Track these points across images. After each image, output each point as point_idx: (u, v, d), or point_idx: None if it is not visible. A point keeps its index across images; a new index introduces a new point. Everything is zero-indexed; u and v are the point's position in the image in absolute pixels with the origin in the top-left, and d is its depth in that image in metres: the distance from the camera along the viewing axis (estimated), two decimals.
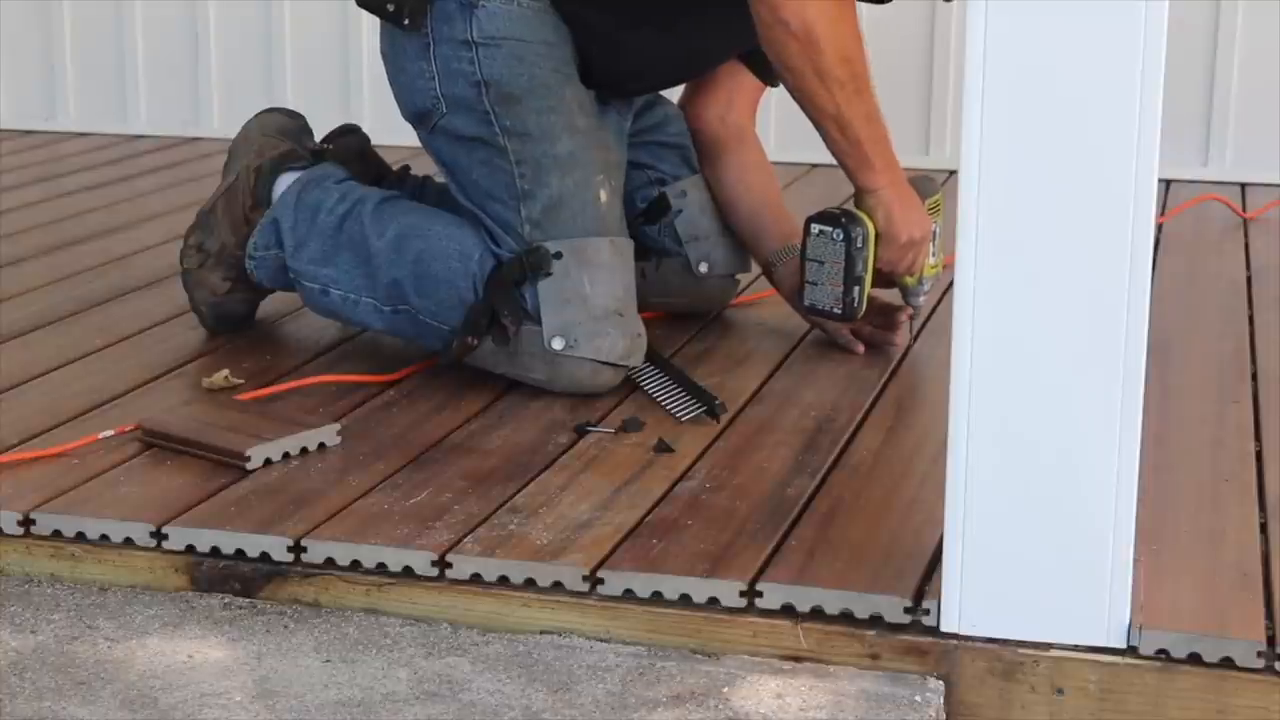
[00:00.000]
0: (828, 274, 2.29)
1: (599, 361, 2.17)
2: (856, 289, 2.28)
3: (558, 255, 2.18)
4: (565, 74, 2.25)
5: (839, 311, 2.31)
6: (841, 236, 2.26)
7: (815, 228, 2.29)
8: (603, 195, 2.23)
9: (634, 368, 2.23)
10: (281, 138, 2.51)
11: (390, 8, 2.25)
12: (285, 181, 2.44)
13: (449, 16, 2.22)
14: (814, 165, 3.67)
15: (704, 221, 2.52)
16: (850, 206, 2.29)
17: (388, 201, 2.34)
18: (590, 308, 2.17)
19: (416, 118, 2.31)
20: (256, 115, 2.57)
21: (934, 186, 2.37)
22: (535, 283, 2.17)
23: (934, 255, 2.37)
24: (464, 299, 2.21)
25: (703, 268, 2.52)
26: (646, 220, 2.52)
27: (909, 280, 2.36)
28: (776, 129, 3.65)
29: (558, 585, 1.68)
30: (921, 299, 2.40)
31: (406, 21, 2.24)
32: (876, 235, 2.27)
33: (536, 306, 2.17)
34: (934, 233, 2.35)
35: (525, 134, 2.22)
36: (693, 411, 2.13)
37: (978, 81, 1.47)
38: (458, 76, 2.23)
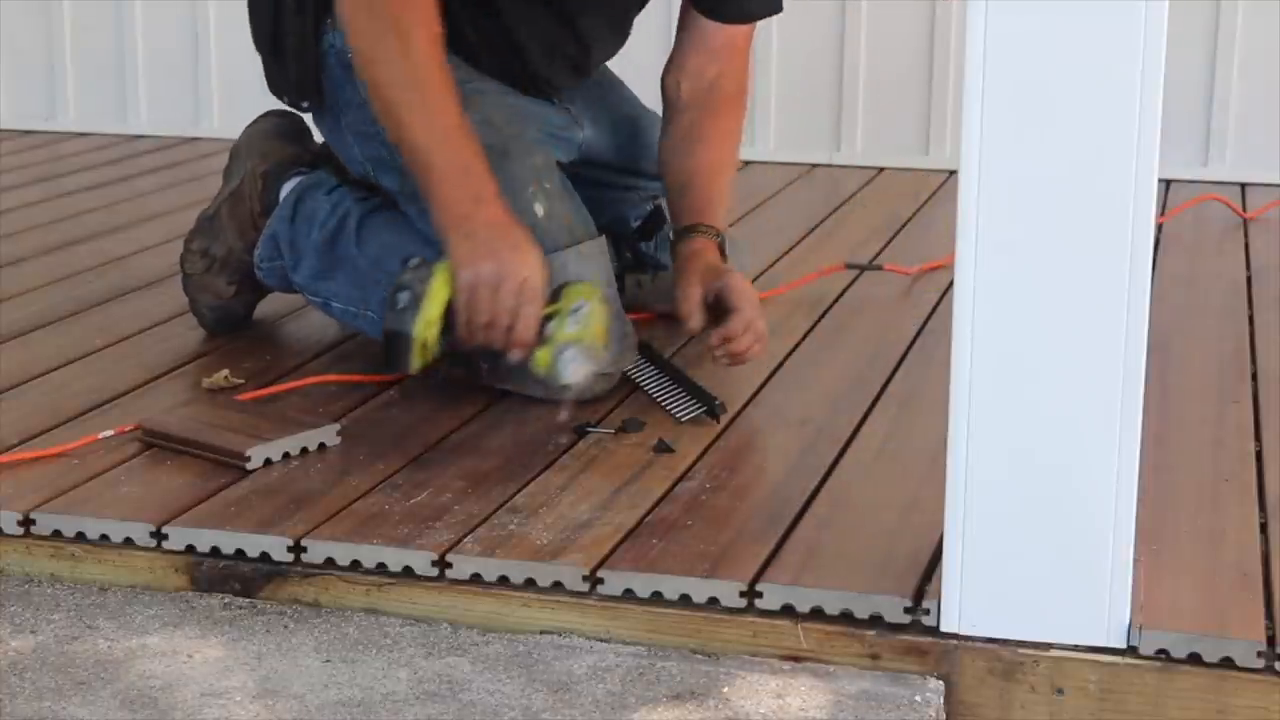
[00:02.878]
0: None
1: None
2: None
3: None
4: (461, 93, 2.10)
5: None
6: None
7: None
8: (539, 209, 2.15)
9: (629, 367, 2.23)
10: (283, 141, 2.51)
11: (290, 96, 2.27)
12: (289, 186, 2.44)
13: (340, 85, 2.22)
14: (814, 165, 3.68)
15: None
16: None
17: (370, 216, 2.30)
18: None
19: (366, 186, 2.31)
20: (257, 118, 2.56)
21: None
22: None
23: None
24: None
25: None
26: (642, 236, 2.51)
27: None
28: (777, 129, 3.65)
29: (558, 585, 1.68)
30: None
31: (305, 104, 2.26)
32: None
33: None
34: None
35: None
36: (693, 411, 2.13)
37: (978, 81, 1.47)
38: (370, 139, 2.21)
